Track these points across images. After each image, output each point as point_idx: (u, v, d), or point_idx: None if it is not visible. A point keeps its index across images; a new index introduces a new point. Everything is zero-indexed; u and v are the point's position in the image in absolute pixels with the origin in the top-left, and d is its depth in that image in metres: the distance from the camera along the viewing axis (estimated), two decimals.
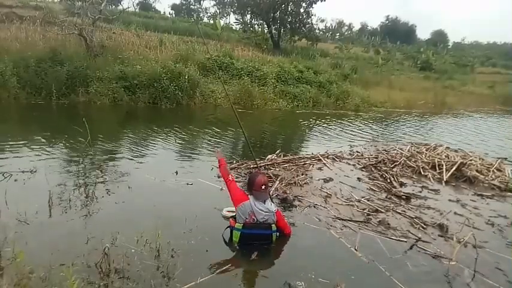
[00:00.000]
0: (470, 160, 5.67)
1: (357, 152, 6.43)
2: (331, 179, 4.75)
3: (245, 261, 2.74)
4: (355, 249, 2.98)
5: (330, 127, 9.25)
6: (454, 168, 5.23)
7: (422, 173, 5.24)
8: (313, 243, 3.10)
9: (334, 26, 51.53)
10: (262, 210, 2.87)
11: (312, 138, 8.09)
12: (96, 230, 2.94)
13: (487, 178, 5.11)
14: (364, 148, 6.89)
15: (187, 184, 4.24)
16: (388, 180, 4.81)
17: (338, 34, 48.28)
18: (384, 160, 5.65)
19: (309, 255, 2.89)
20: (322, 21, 48.36)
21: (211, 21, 24.37)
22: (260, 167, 4.58)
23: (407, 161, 5.64)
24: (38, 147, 5.37)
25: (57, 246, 2.66)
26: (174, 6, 44.14)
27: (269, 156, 5.56)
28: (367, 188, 4.54)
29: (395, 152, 6.37)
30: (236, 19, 25.89)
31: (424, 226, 3.51)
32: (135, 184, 4.12)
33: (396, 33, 44.52)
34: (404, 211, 3.84)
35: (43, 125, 7.19)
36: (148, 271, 2.46)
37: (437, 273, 2.74)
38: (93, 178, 4.22)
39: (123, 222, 3.19)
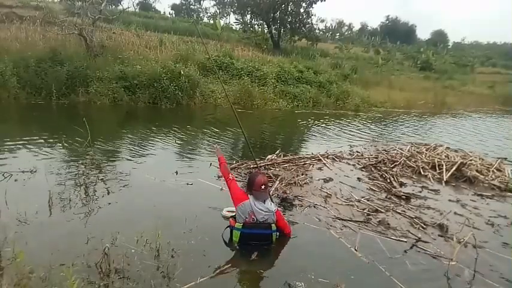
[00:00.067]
0: (470, 160, 5.67)
1: (357, 152, 6.43)
2: (331, 179, 4.75)
3: (245, 261, 2.74)
4: (355, 249, 2.98)
5: (329, 127, 9.25)
6: (454, 168, 5.23)
7: (422, 173, 5.24)
8: (313, 243, 3.10)
9: (334, 26, 51.62)
10: (262, 210, 2.87)
11: (311, 138, 8.09)
12: (96, 230, 2.94)
13: (487, 178, 5.11)
14: (364, 148, 6.89)
15: (187, 184, 4.24)
16: (388, 180, 4.81)
17: (338, 34, 48.33)
18: (383, 160, 5.65)
19: (309, 255, 2.89)
20: (322, 21, 48.48)
21: (211, 21, 24.39)
22: (260, 167, 4.58)
23: (407, 161, 5.64)
24: (38, 147, 5.37)
25: (57, 246, 2.66)
26: (174, 6, 44.20)
27: (269, 156, 5.56)
28: (367, 188, 4.54)
29: (395, 152, 6.37)
30: (236, 19, 25.94)
31: (424, 226, 3.50)
32: (135, 184, 4.12)
33: (396, 33, 44.54)
34: (404, 211, 3.84)
35: (43, 125, 7.19)
36: (148, 271, 2.46)
37: (437, 273, 2.74)
38: (93, 178, 4.22)
39: (123, 222, 3.19)
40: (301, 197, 4.06)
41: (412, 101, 15.22)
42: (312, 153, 5.96)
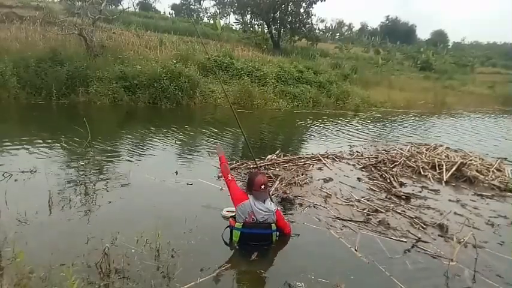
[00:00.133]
0: (470, 160, 5.67)
1: (357, 152, 6.43)
2: (331, 179, 4.75)
3: (245, 261, 2.74)
4: (355, 249, 2.98)
5: (328, 127, 9.25)
6: (454, 168, 5.22)
7: (422, 173, 5.24)
8: (313, 243, 3.10)
9: (334, 26, 51.64)
10: (262, 210, 2.87)
11: (311, 138, 8.09)
12: (96, 230, 2.94)
13: (487, 178, 5.11)
14: (364, 148, 6.88)
15: (187, 184, 4.24)
16: (388, 180, 4.81)
17: (338, 34, 48.35)
18: (383, 160, 5.65)
19: (309, 255, 2.89)
20: (322, 21, 48.49)
21: (211, 21, 24.39)
22: (260, 167, 4.58)
23: (407, 161, 5.63)
24: (38, 147, 5.37)
25: (57, 246, 2.66)
26: (174, 6, 44.19)
27: (269, 156, 5.56)
28: (367, 188, 4.54)
29: (395, 152, 6.37)
30: (236, 19, 25.95)
31: (424, 226, 3.50)
32: (135, 184, 4.12)
33: (396, 33, 44.56)
34: (404, 211, 3.84)
35: (43, 125, 7.19)
36: (148, 271, 2.46)
37: (437, 273, 2.74)
38: (93, 178, 4.22)
39: (123, 222, 3.19)
40: (301, 197, 4.06)
41: (412, 101, 15.22)
42: (312, 153, 5.96)
